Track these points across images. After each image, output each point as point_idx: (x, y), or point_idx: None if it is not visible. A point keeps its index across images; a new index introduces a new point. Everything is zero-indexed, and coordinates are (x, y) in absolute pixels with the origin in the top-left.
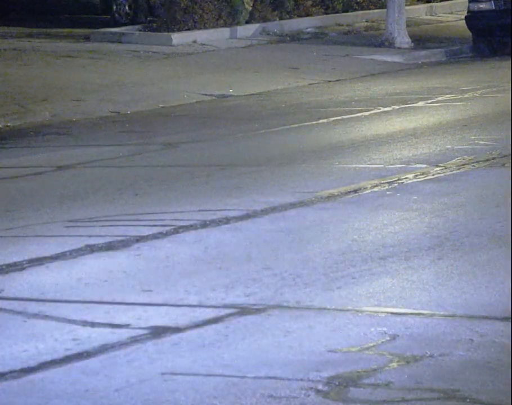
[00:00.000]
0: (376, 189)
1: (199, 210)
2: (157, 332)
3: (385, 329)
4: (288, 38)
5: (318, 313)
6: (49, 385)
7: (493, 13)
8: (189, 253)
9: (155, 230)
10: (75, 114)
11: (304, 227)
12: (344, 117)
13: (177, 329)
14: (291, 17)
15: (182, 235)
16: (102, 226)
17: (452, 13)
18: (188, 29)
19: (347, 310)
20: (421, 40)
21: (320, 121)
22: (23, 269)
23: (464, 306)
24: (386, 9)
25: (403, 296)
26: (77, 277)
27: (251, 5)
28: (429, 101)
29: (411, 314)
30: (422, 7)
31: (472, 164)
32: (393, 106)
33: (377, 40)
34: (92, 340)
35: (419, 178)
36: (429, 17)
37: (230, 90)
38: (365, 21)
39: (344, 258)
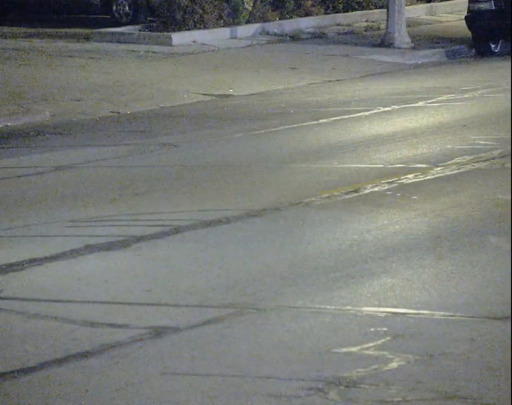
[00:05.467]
0: (376, 189)
1: (199, 210)
2: (157, 332)
3: (385, 329)
4: (288, 38)
5: (318, 313)
6: (49, 385)
7: (493, 13)
8: (189, 253)
9: (155, 230)
10: (75, 114)
11: (304, 227)
12: (344, 117)
13: (177, 329)
14: (291, 17)
15: (182, 235)
16: (102, 226)
17: (452, 13)
18: (188, 29)
19: (347, 310)
20: (421, 40)
21: (321, 121)
22: (23, 269)
23: (464, 306)
24: (386, 9)
25: (403, 296)
26: (77, 277)
27: (251, 5)
28: (429, 101)
29: (411, 314)
30: (422, 7)
31: (472, 164)
32: (392, 106)
33: (377, 40)
34: (92, 340)
35: (419, 178)
36: (429, 17)
37: (230, 90)
38: (366, 21)
39: (344, 258)
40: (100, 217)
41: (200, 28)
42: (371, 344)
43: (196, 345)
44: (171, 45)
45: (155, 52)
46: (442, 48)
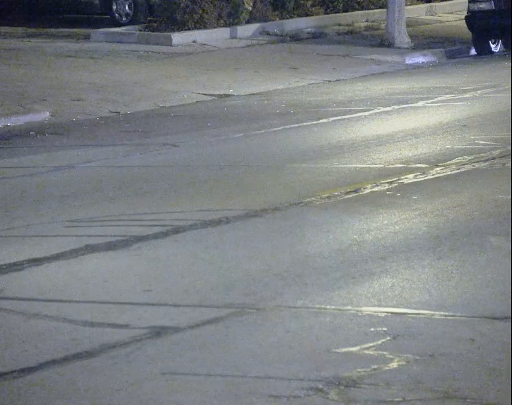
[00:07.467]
0: (376, 189)
1: (199, 210)
2: (157, 332)
3: (385, 329)
4: (288, 38)
5: (318, 313)
6: (49, 385)
7: (493, 13)
8: (189, 253)
9: (155, 230)
10: (75, 114)
11: (304, 227)
12: (344, 117)
13: (177, 329)
14: (291, 17)
15: (182, 235)
16: (102, 226)
17: (452, 13)
18: (188, 29)
19: (347, 310)
20: (421, 40)
21: (321, 121)
22: (23, 269)
23: (464, 306)
24: (386, 9)
25: (403, 296)
26: (77, 277)
27: (251, 5)
28: (429, 101)
29: (411, 314)
30: (422, 7)
31: (472, 164)
32: (392, 106)
33: (377, 40)
34: (92, 340)
35: (419, 178)
36: (429, 17)
37: (230, 90)
38: (366, 21)
39: (344, 258)
40: (101, 217)
41: (200, 28)
42: (371, 344)
43: (196, 345)
44: (171, 45)
45: (155, 52)
46: (442, 48)
